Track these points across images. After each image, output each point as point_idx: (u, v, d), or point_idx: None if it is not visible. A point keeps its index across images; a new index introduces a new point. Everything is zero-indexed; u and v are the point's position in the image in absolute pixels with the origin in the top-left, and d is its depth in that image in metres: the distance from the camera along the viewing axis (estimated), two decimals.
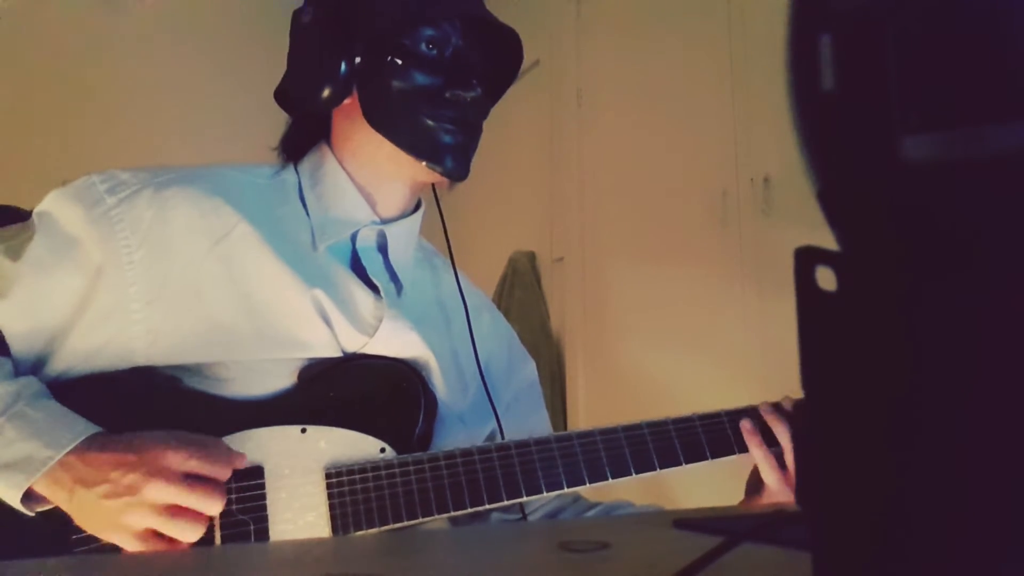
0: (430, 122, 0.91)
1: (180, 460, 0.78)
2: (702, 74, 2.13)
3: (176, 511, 0.77)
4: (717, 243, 2.05)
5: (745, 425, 0.92)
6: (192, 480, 0.78)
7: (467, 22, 0.94)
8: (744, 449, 0.92)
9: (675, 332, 2.18)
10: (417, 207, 1.03)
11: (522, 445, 0.89)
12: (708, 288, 2.07)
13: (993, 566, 0.25)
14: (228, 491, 0.82)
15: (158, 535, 0.78)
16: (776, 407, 0.93)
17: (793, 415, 0.89)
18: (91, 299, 0.86)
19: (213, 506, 0.79)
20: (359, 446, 0.88)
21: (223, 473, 0.81)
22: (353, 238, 0.96)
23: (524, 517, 0.99)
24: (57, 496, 0.78)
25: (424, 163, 0.92)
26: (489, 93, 0.97)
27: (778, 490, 0.91)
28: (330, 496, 0.85)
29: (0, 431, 0.78)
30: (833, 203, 0.27)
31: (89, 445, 0.78)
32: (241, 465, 0.83)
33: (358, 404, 0.90)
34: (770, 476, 0.91)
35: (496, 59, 0.98)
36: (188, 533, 0.78)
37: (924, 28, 0.25)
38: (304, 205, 0.96)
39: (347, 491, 0.85)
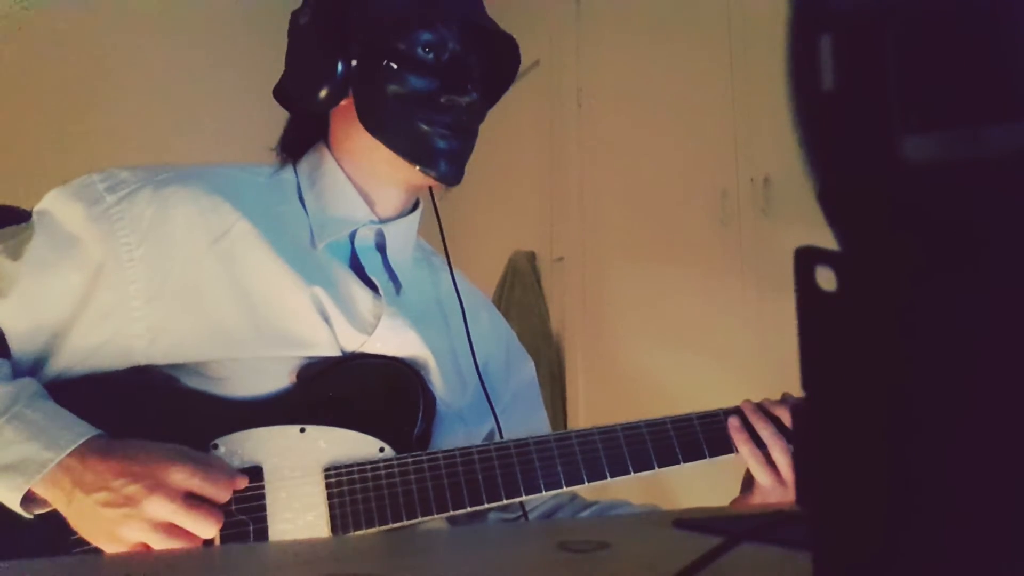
0: (425, 127, 0.91)
1: (183, 478, 0.78)
2: (702, 74, 2.13)
3: (171, 530, 0.77)
4: (717, 243, 2.04)
5: (733, 422, 0.91)
6: (191, 500, 0.78)
7: (465, 26, 0.94)
8: None
9: (675, 332, 2.18)
10: (415, 206, 1.03)
11: (521, 444, 0.89)
12: (708, 288, 2.07)
13: (993, 566, 0.25)
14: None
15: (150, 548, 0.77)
16: (759, 406, 0.92)
17: (793, 415, 0.88)
18: (91, 297, 0.86)
19: (208, 529, 0.78)
20: (358, 445, 0.88)
21: (223, 496, 0.80)
22: (352, 237, 0.96)
23: (525, 516, 0.99)
24: (55, 499, 0.77)
25: (418, 167, 0.92)
26: (486, 98, 0.96)
27: (768, 487, 0.90)
28: (329, 496, 0.85)
29: None
30: (833, 203, 0.27)
31: (90, 449, 0.78)
32: (241, 486, 0.83)
33: (357, 403, 0.90)
34: (760, 473, 0.90)
35: (493, 64, 0.97)
36: None
37: (924, 28, 0.25)
38: (303, 204, 0.96)
39: (346, 491, 0.85)
